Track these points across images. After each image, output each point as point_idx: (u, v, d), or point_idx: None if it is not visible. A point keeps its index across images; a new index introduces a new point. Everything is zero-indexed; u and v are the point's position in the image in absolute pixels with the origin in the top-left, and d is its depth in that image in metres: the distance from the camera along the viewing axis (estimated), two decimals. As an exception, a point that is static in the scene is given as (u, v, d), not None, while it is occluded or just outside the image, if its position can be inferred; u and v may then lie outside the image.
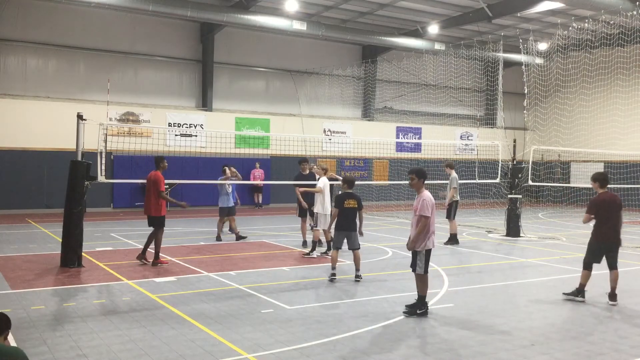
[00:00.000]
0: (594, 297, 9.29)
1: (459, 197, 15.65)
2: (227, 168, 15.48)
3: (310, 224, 14.12)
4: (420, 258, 7.90)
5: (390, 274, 10.78)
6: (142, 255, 11.58)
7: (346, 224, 10.18)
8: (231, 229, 15.40)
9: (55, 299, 8.65)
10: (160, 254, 11.56)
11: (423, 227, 7.80)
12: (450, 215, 15.28)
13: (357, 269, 10.24)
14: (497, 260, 12.77)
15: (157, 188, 11.37)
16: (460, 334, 7.13)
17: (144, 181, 11.83)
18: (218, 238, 15.15)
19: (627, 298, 9.27)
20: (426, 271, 7.97)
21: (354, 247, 10.27)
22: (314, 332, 7.08)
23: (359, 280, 10.10)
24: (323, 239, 13.49)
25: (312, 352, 6.36)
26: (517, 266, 12.28)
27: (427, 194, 7.97)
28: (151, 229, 11.63)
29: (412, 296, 8.21)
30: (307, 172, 14.37)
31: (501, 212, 19.12)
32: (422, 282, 7.94)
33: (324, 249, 13.23)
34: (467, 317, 7.90)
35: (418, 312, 7.82)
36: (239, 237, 15.11)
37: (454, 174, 15.62)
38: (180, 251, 13.34)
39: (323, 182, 12.88)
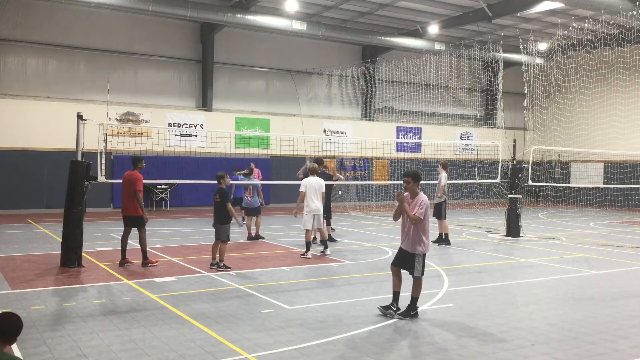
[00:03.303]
0: (594, 297, 9.28)
1: (445, 197, 15.62)
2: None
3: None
4: (418, 261, 7.88)
5: (390, 274, 10.74)
6: (122, 260, 11.40)
7: (214, 217, 11.24)
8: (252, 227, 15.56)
9: (55, 299, 8.65)
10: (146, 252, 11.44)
11: (416, 221, 7.74)
12: (441, 215, 15.28)
13: (221, 260, 11.05)
14: (497, 260, 12.77)
15: (133, 186, 11.20)
16: (460, 334, 7.13)
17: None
18: (258, 237, 15.21)
19: (627, 298, 9.27)
20: (423, 273, 7.97)
21: (219, 238, 11.05)
22: (314, 332, 7.08)
23: (220, 270, 10.87)
24: (318, 237, 13.69)
25: (312, 352, 6.36)
26: (517, 266, 12.28)
27: (423, 195, 7.95)
28: (122, 231, 11.48)
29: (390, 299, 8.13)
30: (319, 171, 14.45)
31: (501, 212, 19.12)
32: (418, 284, 7.92)
33: (320, 247, 13.24)
34: (467, 317, 7.89)
35: (412, 313, 7.81)
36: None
37: (443, 173, 15.65)
38: (180, 251, 13.34)
39: (303, 184, 12.96)
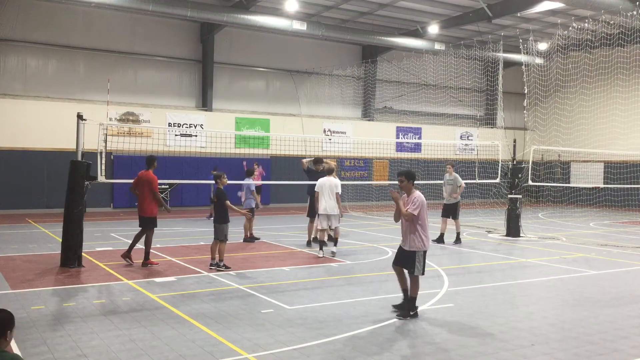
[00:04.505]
0: (594, 297, 9.28)
1: (459, 197, 15.93)
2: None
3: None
4: (418, 259, 7.89)
5: (390, 274, 10.74)
6: (127, 254, 11.50)
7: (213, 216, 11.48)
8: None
9: (55, 299, 8.65)
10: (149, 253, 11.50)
11: (408, 217, 7.78)
12: (457, 214, 15.51)
13: (220, 259, 11.10)
14: (497, 260, 12.77)
15: (152, 187, 11.35)
16: (460, 334, 7.13)
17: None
18: (253, 238, 15.15)
19: (627, 298, 9.27)
20: (423, 272, 7.97)
21: (217, 237, 11.09)
22: (314, 332, 7.08)
23: (220, 270, 10.86)
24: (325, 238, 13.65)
25: (312, 352, 6.36)
26: (517, 266, 12.28)
27: (418, 193, 8.00)
28: (138, 229, 11.59)
29: (395, 299, 8.15)
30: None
31: (501, 212, 19.12)
32: (416, 283, 7.93)
33: (333, 248, 13.15)
34: (467, 317, 7.89)
35: (411, 313, 7.81)
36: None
37: (455, 173, 15.86)
38: (180, 251, 13.34)
39: (318, 184, 13.00)
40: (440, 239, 15.20)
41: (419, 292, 7.99)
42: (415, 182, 8.18)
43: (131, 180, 12.04)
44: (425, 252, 7.96)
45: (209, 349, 6.39)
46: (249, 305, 8.35)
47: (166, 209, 11.97)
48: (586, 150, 25.71)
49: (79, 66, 23.70)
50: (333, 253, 12.81)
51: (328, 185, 12.89)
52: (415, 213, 7.75)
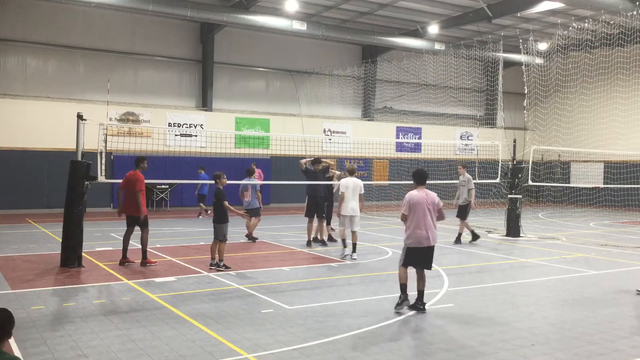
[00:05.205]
0: (594, 297, 9.28)
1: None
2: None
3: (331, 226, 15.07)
4: (403, 251, 8.30)
5: (390, 274, 10.77)
6: (123, 260, 11.40)
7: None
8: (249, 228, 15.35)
9: (55, 299, 8.65)
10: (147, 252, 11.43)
11: (401, 218, 8.37)
12: (465, 215, 15.58)
13: (220, 259, 11.06)
14: (497, 260, 12.77)
15: (133, 186, 11.19)
16: (460, 334, 7.13)
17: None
18: (253, 238, 15.09)
19: (628, 298, 9.26)
20: (403, 265, 8.20)
21: (216, 237, 11.07)
22: (314, 332, 7.08)
23: (220, 270, 10.84)
24: (338, 238, 13.85)
25: (312, 352, 6.36)
26: (517, 266, 12.28)
27: (409, 193, 8.31)
28: (124, 230, 11.52)
29: (412, 296, 8.20)
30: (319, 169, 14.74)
31: (501, 212, 19.12)
32: (399, 272, 8.22)
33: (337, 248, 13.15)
34: (467, 317, 7.90)
35: (405, 304, 8.08)
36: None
37: (468, 174, 15.90)
38: (180, 251, 13.34)
39: (343, 185, 12.81)
40: (474, 237, 15.32)
41: (404, 283, 8.17)
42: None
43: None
44: (408, 248, 8.17)
45: (209, 349, 6.39)
46: (249, 305, 8.36)
47: (142, 214, 11.26)
48: (586, 150, 25.71)
49: (79, 66, 23.70)
50: (354, 260, 12.47)
51: (352, 186, 12.67)
52: (405, 213, 8.22)
